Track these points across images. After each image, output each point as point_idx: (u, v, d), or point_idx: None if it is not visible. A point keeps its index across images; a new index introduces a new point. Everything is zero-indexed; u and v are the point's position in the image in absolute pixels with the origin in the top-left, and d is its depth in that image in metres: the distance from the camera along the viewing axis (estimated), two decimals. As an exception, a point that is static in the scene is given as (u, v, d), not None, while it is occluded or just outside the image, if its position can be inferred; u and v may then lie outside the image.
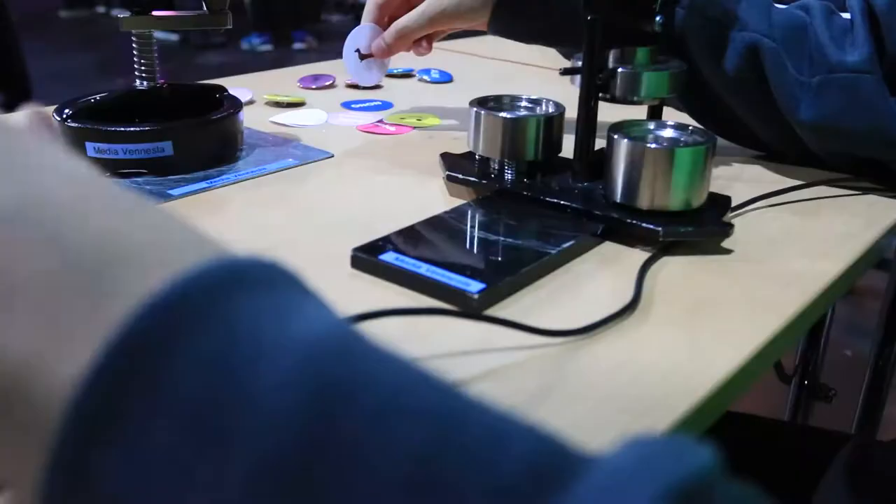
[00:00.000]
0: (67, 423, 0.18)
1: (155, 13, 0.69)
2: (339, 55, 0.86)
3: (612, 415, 0.37)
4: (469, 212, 0.58)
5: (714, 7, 0.65)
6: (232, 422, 0.18)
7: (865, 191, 0.66)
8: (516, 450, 0.19)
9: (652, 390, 0.39)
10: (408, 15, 0.76)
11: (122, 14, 0.69)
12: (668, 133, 0.56)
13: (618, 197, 0.55)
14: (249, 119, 0.75)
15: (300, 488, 0.18)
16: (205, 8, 0.70)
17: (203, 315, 0.20)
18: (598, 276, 0.51)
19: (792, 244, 0.56)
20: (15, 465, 0.20)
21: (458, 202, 0.61)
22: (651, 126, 0.57)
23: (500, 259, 0.51)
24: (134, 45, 0.69)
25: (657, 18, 0.59)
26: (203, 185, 0.64)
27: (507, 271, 0.49)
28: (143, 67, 0.70)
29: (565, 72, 0.59)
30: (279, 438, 0.18)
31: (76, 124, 0.65)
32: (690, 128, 0.56)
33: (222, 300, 0.20)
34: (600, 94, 0.60)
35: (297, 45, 5.16)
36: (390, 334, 0.42)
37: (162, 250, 0.22)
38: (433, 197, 0.63)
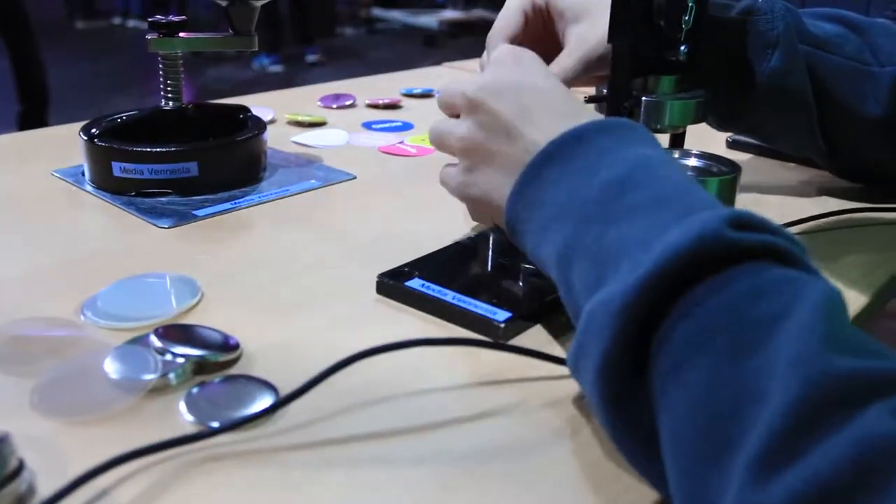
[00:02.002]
0: (542, 151, 0.43)
1: (182, 35, 0.69)
2: (354, 72, 0.86)
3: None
4: (492, 237, 0.58)
5: (839, 44, 0.63)
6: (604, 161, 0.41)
7: (891, 222, 0.66)
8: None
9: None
10: (562, 63, 0.61)
11: (135, 23, 0.70)
12: (693, 162, 0.56)
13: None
14: (272, 139, 0.76)
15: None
16: (230, 30, 0.71)
17: (604, 129, 0.43)
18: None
19: (822, 270, 0.56)
20: (501, 184, 0.46)
21: (480, 226, 0.61)
22: (676, 155, 0.57)
23: (524, 287, 0.51)
24: (160, 66, 0.70)
25: (682, 48, 0.59)
26: (227, 205, 0.65)
27: (532, 299, 0.49)
28: (169, 88, 0.71)
29: (590, 100, 0.60)
30: (612, 170, 0.40)
31: (103, 143, 0.66)
32: (714, 156, 0.56)
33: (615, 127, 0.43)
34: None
35: (310, 59, 5.17)
36: (416, 362, 0.43)
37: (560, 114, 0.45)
38: (456, 221, 0.63)
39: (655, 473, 0.33)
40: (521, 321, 0.47)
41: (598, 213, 0.38)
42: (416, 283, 0.50)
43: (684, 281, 0.32)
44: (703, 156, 0.57)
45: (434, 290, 0.49)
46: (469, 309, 0.47)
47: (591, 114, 0.45)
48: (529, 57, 0.50)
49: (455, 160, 0.50)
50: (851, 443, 0.25)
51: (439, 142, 0.52)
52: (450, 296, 0.48)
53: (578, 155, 0.41)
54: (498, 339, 0.46)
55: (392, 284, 0.50)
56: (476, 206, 0.50)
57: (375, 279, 0.51)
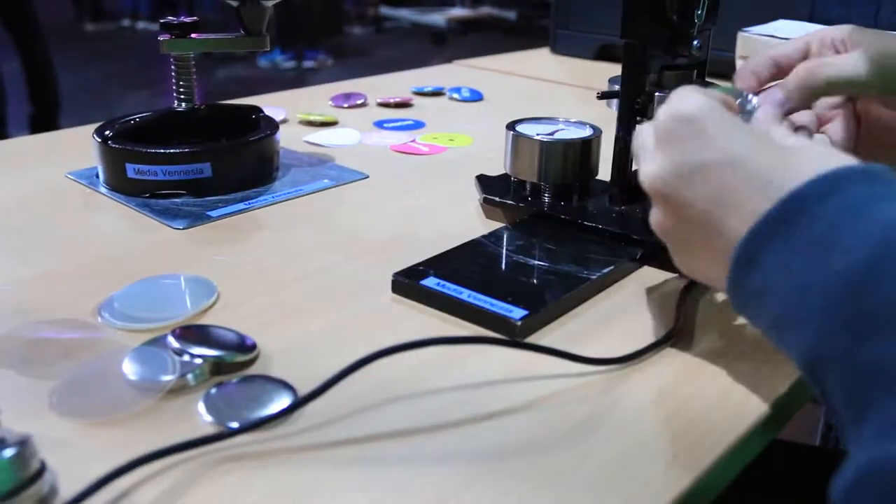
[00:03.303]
0: (747, 238, 0.36)
1: (194, 36, 0.69)
2: (363, 71, 0.86)
3: (661, 446, 0.37)
4: (506, 235, 0.58)
5: None
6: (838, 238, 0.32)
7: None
8: None
9: (699, 420, 0.39)
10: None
11: (144, 25, 0.70)
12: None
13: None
14: (284, 139, 0.76)
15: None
16: (242, 31, 0.71)
17: (839, 188, 0.34)
18: (637, 303, 0.51)
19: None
20: (712, 271, 0.39)
21: (494, 224, 0.61)
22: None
23: (540, 285, 0.51)
24: (173, 68, 0.70)
25: (695, 43, 0.59)
26: (241, 206, 0.65)
27: (547, 297, 0.49)
28: (181, 89, 0.71)
29: (603, 96, 0.60)
30: (853, 254, 0.31)
31: (117, 145, 0.66)
32: None
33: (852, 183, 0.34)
34: (638, 119, 0.60)
35: (308, 64, 5.15)
36: (433, 360, 0.43)
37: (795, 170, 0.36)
38: (469, 219, 0.63)
39: None
40: (537, 318, 0.47)
41: (841, 320, 0.31)
42: (431, 282, 0.50)
43: None
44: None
45: (450, 288, 0.49)
46: (485, 307, 0.47)
47: (800, 169, 0.35)
48: (706, 115, 0.39)
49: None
50: None
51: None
52: (465, 294, 0.48)
53: (801, 230, 0.34)
54: (514, 336, 0.46)
55: (407, 283, 0.50)
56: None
57: (390, 278, 0.51)
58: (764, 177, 0.36)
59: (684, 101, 0.40)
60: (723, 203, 0.37)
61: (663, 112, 0.41)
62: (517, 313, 0.46)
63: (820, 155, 0.37)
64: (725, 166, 0.38)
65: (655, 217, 0.42)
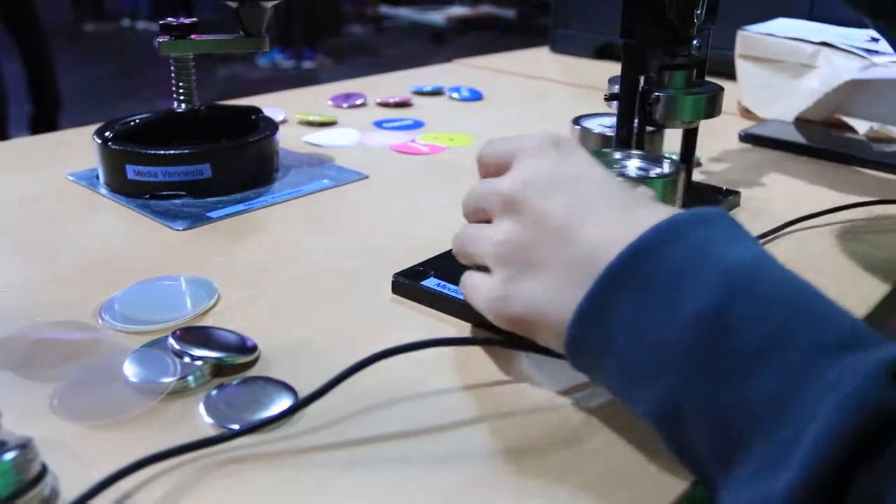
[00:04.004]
0: (592, 290, 0.34)
1: (193, 37, 0.69)
2: (363, 70, 0.86)
3: (658, 449, 0.37)
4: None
5: None
6: (683, 284, 0.32)
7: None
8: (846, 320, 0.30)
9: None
10: None
11: (144, 25, 0.70)
12: (635, 163, 0.55)
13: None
14: (283, 139, 0.76)
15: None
16: (241, 31, 0.71)
17: (679, 235, 0.34)
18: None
19: (835, 265, 0.56)
20: (553, 293, 0.37)
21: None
22: (618, 156, 0.56)
23: None
24: (172, 69, 0.70)
25: (694, 43, 0.59)
26: (241, 206, 0.65)
27: None
28: (181, 90, 0.71)
29: (610, 97, 0.60)
30: (702, 300, 0.31)
31: (117, 147, 0.66)
32: (656, 157, 0.55)
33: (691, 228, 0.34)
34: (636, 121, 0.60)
35: (307, 63, 5.15)
36: (434, 361, 0.43)
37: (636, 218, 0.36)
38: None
39: None
40: None
41: (699, 366, 0.31)
42: (431, 283, 0.50)
43: (849, 468, 0.26)
44: (644, 157, 0.55)
45: (450, 289, 0.49)
46: None
47: (657, 208, 0.37)
48: (569, 140, 0.42)
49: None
50: None
51: (464, 250, 0.44)
52: None
53: (647, 279, 0.33)
54: (513, 337, 0.45)
55: (408, 284, 0.50)
56: (516, 324, 0.40)
57: (390, 278, 0.51)
58: (622, 201, 0.38)
59: (552, 133, 0.42)
60: (585, 214, 0.37)
61: (536, 133, 0.42)
62: None
63: (659, 208, 0.37)
64: (591, 182, 0.39)
65: (507, 229, 0.40)
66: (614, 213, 0.37)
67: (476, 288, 0.42)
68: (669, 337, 0.32)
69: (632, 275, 0.34)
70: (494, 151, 0.43)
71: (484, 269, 0.42)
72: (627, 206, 0.37)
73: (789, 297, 0.31)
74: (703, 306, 0.31)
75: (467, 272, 0.44)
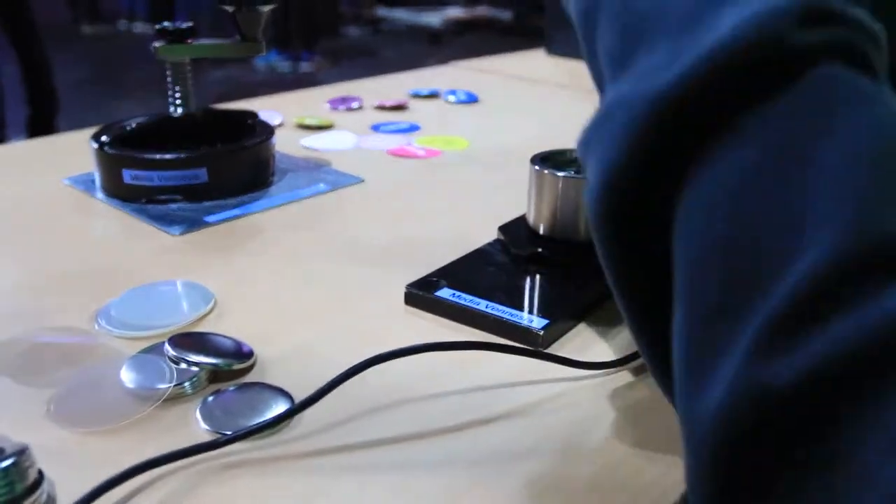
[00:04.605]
0: None
1: (190, 41, 0.69)
2: (360, 72, 0.86)
3: (658, 450, 0.37)
4: (512, 244, 0.57)
5: None
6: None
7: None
8: None
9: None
10: None
11: (141, 28, 0.71)
12: None
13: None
14: (280, 143, 0.76)
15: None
16: (238, 36, 0.71)
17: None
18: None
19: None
20: None
21: (490, 228, 0.61)
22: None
23: (555, 293, 0.50)
24: (169, 73, 0.70)
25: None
26: (238, 211, 0.65)
27: (566, 305, 0.48)
28: (177, 94, 0.71)
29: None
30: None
31: (113, 151, 0.66)
32: None
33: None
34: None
35: (304, 65, 5.14)
36: (430, 366, 0.43)
37: None
38: (466, 223, 0.63)
39: (648, 340, 0.29)
40: (557, 328, 0.47)
41: None
42: (445, 293, 0.49)
43: (726, 90, 0.25)
44: None
45: (466, 299, 0.49)
46: (505, 318, 0.47)
47: None
48: None
49: None
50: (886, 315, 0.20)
51: None
52: (483, 304, 0.48)
53: None
54: (537, 346, 0.45)
55: (421, 295, 0.50)
56: None
57: (389, 282, 0.51)
58: None
59: None
60: None
61: None
62: (538, 323, 0.46)
63: None
64: None
65: None
66: None
67: None
68: None
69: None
70: None
71: None
72: None
73: None
74: None
75: None
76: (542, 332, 0.45)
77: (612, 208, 0.27)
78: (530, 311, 0.47)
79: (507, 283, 0.52)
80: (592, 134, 0.29)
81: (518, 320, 0.46)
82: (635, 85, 0.27)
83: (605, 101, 0.29)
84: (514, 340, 0.46)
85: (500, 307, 0.47)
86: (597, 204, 0.28)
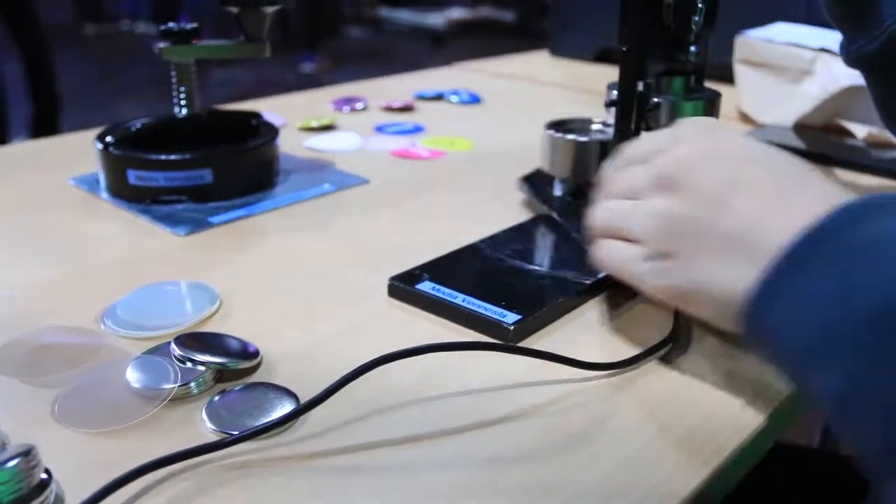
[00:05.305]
0: (766, 271, 0.34)
1: (195, 42, 0.70)
2: (363, 73, 0.87)
3: (662, 453, 0.37)
4: (504, 240, 0.58)
5: None
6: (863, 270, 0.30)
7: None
8: None
9: (701, 426, 0.39)
10: None
11: (144, 28, 0.71)
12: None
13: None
14: (284, 143, 0.76)
15: None
16: (242, 37, 0.71)
17: (859, 219, 0.32)
18: (634, 307, 0.51)
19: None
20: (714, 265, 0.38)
21: (494, 229, 0.61)
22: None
23: (535, 290, 0.51)
24: (173, 74, 0.71)
25: (692, 49, 0.59)
26: (242, 212, 0.65)
27: (542, 302, 0.49)
28: (182, 95, 0.71)
29: (611, 104, 0.60)
30: (880, 291, 0.29)
31: (118, 152, 0.66)
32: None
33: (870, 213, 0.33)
34: (634, 126, 0.60)
35: (307, 66, 5.13)
36: (432, 366, 0.43)
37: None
38: (469, 223, 0.63)
39: None
40: (530, 323, 0.47)
41: (871, 361, 0.29)
42: (426, 286, 0.50)
43: None
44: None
45: (444, 292, 0.49)
46: (479, 312, 0.47)
47: (824, 187, 0.37)
48: (722, 125, 0.44)
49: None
50: None
51: (610, 224, 0.44)
52: (460, 298, 0.48)
53: (824, 264, 0.32)
54: (507, 341, 0.46)
55: (402, 288, 0.51)
56: (675, 297, 0.41)
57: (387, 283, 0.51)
58: (779, 182, 0.38)
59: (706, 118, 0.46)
60: (736, 187, 0.38)
61: (689, 119, 0.45)
62: (510, 318, 0.46)
63: (830, 187, 0.37)
64: (745, 159, 0.40)
65: (664, 203, 0.41)
66: (779, 190, 0.37)
67: (621, 256, 0.43)
68: (842, 327, 0.30)
69: (810, 257, 0.33)
70: (649, 140, 0.45)
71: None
72: (793, 184, 0.37)
73: None
74: (881, 299, 0.29)
75: (605, 241, 0.44)
76: (512, 328, 0.46)
77: None
78: (505, 307, 0.48)
79: (491, 278, 0.52)
80: None
81: (490, 315, 0.47)
82: None
83: None
84: (487, 334, 0.47)
85: (476, 301, 0.48)
86: None
